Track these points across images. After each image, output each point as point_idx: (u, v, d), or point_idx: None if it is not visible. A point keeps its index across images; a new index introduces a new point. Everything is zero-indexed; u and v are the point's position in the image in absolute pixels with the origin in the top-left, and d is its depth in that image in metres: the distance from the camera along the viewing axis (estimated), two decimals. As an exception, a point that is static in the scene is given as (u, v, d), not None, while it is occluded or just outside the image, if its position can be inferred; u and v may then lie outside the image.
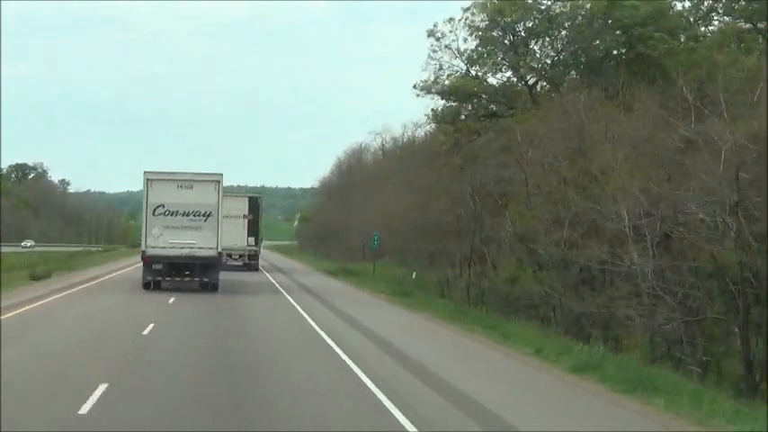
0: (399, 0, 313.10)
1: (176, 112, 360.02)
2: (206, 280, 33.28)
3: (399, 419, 11.67)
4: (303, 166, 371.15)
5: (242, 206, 53.10)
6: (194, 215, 32.68)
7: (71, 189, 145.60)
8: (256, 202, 54.69)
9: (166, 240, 32.51)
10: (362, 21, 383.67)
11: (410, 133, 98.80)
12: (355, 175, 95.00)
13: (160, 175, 33.44)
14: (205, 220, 32.72)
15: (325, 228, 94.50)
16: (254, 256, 53.65)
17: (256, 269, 53.36)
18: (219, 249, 33.36)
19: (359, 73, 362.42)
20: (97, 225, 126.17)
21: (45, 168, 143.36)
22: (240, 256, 52.65)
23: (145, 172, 33.19)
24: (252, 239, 53.07)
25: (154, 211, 32.73)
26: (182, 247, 32.47)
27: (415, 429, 11.14)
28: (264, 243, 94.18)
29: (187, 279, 33.13)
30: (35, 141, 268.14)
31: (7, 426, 10.46)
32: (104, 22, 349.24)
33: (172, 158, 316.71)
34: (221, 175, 34.00)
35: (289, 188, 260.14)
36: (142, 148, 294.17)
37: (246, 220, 52.78)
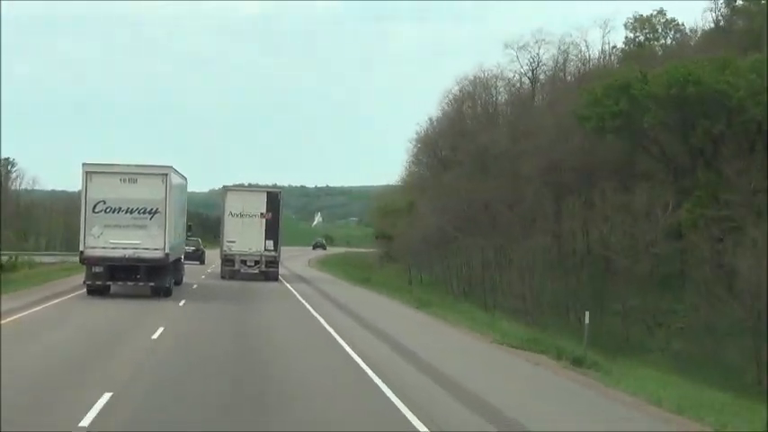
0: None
1: (187, 111, 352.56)
2: (152, 284, 30.63)
3: None
4: (317, 164, 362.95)
5: (259, 203, 44.81)
6: (139, 212, 29.82)
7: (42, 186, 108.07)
8: (276, 199, 45.73)
9: (107, 240, 29.70)
10: (379, 19, 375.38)
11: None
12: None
13: (101, 168, 30.41)
14: (151, 218, 29.85)
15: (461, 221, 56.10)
16: (272, 263, 44.97)
17: (276, 278, 44.87)
18: (167, 251, 30.20)
19: (375, 73, 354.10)
20: (49, 227, 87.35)
21: None
22: (256, 262, 44.28)
23: (83, 164, 30.21)
24: (270, 243, 44.47)
25: (94, 207, 29.75)
26: (124, 248, 29.65)
27: None
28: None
29: (131, 284, 30.52)
30: (33, 141, 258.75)
31: None
32: (116, 21, 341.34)
33: (182, 158, 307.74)
34: (170, 167, 31.01)
35: (303, 186, 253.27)
36: (149, 147, 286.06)
37: (264, 220, 44.47)
